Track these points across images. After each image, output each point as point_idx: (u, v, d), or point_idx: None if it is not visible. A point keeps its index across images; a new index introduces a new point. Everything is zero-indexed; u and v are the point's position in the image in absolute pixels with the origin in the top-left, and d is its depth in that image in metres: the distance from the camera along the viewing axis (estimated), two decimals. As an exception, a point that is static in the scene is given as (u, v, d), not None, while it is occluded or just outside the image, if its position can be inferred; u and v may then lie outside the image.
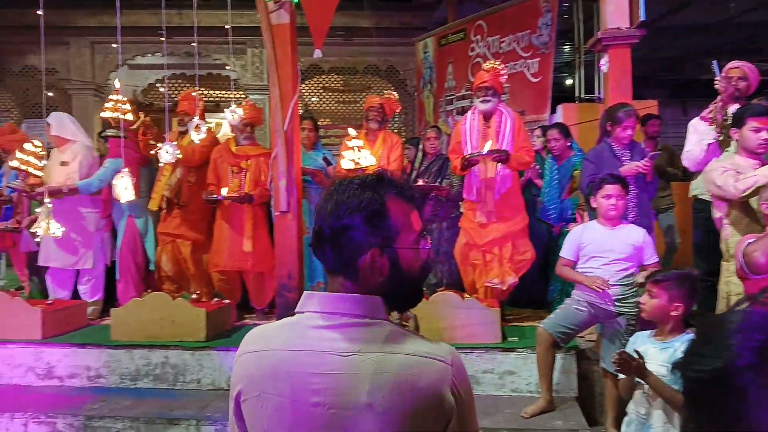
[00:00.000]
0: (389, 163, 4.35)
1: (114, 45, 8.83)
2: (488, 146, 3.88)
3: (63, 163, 4.51)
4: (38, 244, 4.35)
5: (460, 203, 4.33)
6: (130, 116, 4.37)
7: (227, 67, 9.25)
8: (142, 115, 4.60)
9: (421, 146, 4.77)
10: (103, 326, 4.28)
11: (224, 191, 4.29)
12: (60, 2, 8.04)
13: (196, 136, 3.64)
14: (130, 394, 3.66)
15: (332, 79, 9.91)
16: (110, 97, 4.41)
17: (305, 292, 1.05)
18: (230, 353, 3.74)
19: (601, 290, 2.91)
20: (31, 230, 3.58)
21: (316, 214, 1.05)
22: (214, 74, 9.62)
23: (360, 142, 3.93)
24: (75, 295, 4.66)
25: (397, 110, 4.71)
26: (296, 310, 1.03)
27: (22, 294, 4.88)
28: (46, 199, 3.66)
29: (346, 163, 3.94)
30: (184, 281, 4.75)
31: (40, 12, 3.97)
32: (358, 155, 3.80)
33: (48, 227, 3.27)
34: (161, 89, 9.95)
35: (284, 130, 3.71)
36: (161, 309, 3.85)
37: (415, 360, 0.95)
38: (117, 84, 4.48)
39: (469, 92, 7.45)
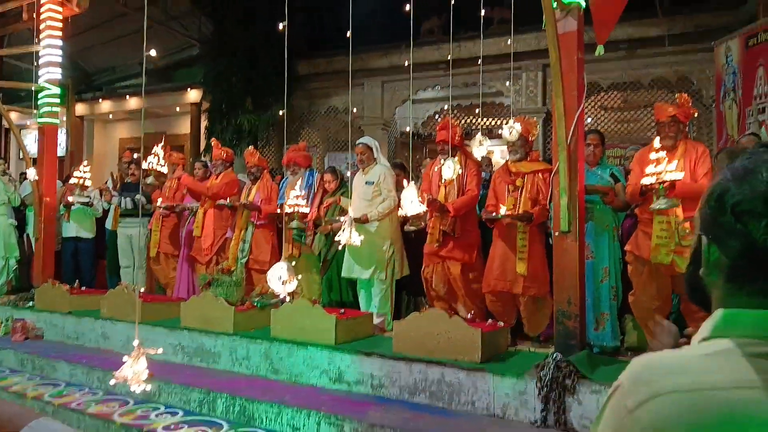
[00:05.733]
0: (697, 178, 3.75)
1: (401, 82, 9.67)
2: None
3: (368, 183, 5.09)
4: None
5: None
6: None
7: (503, 94, 9.32)
8: None
9: (734, 158, 4.03)
10: (386, 337, 4.54)
11: (503, 209, 4.21)
12: (359, 49, 9.12)
13: (478, 152, 3.64)
14: (408, 407, 3.75)
15: (611, 97, 9.25)
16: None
17: (720, 310, 0.80)
18: (505, 379, 3.59)
19: None
20: (336, 238, 3.98)
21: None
22: (488, 102, 9.81)
23: (662, 154, 3.47)
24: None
25: (695, 114, 4.05)
26: (710, 335, 0.79)
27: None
28: (351, 210, 4.04)
29: (646, 179, 3.52)
30: (453, 300, 4.79)
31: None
32: (661, 168, 3.36)
33: (350, 236, 3.59)
34: (439, 120, 10.50)
35: (567, 143, 3.47)
36: (439, 325, 3.90)
37: None
38: None
39: (789, 98, 6.24)
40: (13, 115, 9.04)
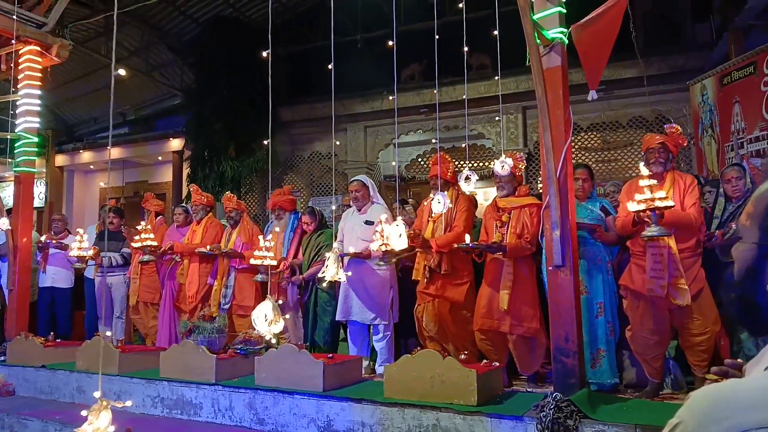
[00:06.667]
0: (684, 208, 3.72)
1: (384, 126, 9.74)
2: None
3: (368, 222, 4.93)
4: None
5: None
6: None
7: (485, 136, 9.42)
8: None
9: (720, 190, 4.04)
10: (376, 382, 4.36)
11: (468, 238, 4.12)
12: (341, 95, 9.21)
13: (467, 187, 3.59)
14: (403, 456, 3.56)
15: (591, 137, 9.40)
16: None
17: None
18: (503, 421, 3.43)
19: None
20: (320, 274, 3.84)
21: None
22: (469, 144, 9.90)
23: (654, 181, 3.43)
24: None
25: (684, 144, 4.05)
26: None
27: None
28: (335, 245, 3.91)
29: (634, 206, 3.46)
30: (445, 341, 4.64)
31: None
32: (652, 195, 3.32)
33: (337, 272, 3.47)
34: (422, 163, 10.57)
35: (557, 176, 3.43)
36: (432, 367, 3.74)
37: None
38: None
39: (765, 132, 6.35)
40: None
